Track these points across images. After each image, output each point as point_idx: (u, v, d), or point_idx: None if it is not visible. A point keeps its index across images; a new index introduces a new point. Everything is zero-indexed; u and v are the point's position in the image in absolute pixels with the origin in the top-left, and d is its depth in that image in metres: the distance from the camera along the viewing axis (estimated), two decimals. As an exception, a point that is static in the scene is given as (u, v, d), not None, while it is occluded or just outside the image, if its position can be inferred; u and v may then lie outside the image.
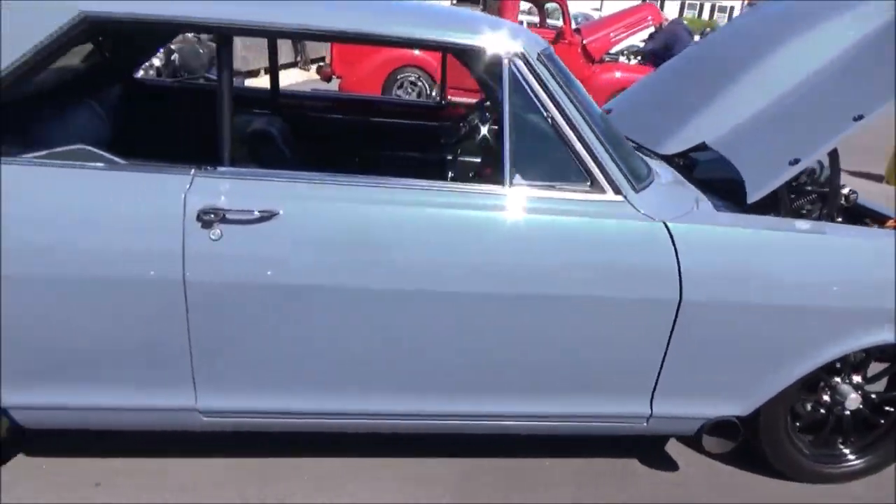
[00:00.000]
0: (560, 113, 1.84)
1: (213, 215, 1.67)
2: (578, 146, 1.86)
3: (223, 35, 1.77)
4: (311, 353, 1.81)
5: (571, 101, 1.86)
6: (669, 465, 2.35)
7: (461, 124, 3.03)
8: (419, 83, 8.27)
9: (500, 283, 1.81)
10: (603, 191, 1.88)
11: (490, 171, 2.68)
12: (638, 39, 10.92)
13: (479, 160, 3.07)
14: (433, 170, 3.12)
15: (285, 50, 12.55)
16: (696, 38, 10.55)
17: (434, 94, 8.27)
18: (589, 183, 1.88)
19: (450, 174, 2.79)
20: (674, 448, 2.43)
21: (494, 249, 1.81)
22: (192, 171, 1.72)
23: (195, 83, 3.25)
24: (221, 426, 1.91)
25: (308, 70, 12.82)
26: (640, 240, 1.86)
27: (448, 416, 1.97)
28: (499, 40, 1.82)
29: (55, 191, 1.66)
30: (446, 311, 1.80)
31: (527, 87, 1.83)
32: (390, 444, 2.26)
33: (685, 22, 9.89)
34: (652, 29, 9.41)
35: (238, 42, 8.62)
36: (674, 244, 1.87)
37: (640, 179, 1.96)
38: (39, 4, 1.65)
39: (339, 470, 2.15)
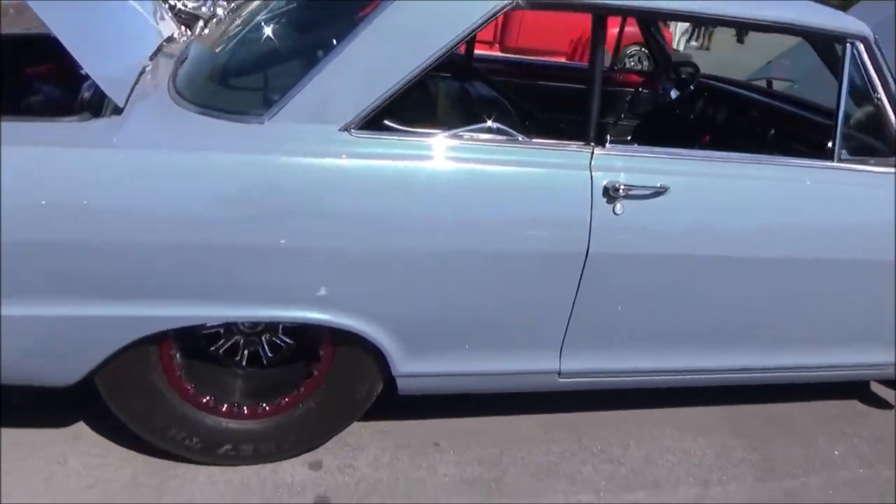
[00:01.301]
0: (887, 94, 2.02)
1: (619, 190, 1.76)
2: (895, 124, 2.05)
3: (601, 16, 1.85)
4: (677, 317, 1.96)
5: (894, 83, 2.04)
6: (882, 404, 2.65)
7: (646, 91, 3.16)
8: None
9: (827, 249, 2.00)
10: (909, 165, 2.09)
11: (708, 140, 2.84)
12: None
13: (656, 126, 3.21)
14: (618, 134, 3.23)
15: None
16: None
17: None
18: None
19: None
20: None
21: (827, 219, 1.99)
22: (591, 147, 1.80)
23: None
24: (572, 386, 2.03)
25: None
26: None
27: (753, 369, 2.16)
28: (850, 26, 1.97)
29: (468, 167, 1.71)
30: (794, 275, 1.98)
31: (863, 69, 1.99)
32: (662, 395, 2.44)
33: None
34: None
35: None
36: None
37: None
38: None
39: (629, 420, 2.33)
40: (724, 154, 1.92)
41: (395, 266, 1.69)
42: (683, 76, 3.02)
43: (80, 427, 1.98)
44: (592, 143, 1.80)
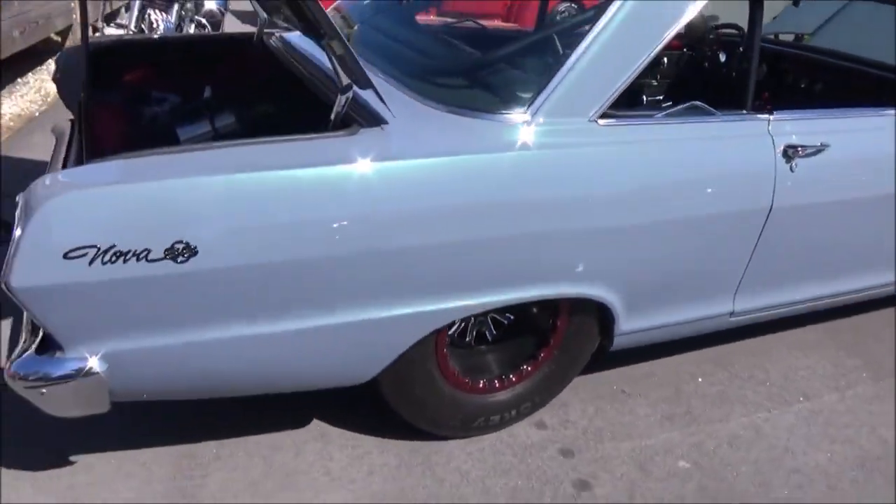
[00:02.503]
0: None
1: (797, 150, 2.04)
2: None
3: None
4: (833, 250, 2.30)
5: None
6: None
7: (691, 53, 3.44)
8: None
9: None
10: None
11: (766, 97, 3.17)
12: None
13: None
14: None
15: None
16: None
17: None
18: None
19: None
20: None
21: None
22: (766, 116, 2.06)
23: None
24: (738, 323, 2.34)
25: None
26: None
27: (869, 288, 2.55)
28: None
29: (686, 144, 1.93)
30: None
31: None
32: (766, 323, 2.79)
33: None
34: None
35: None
36: None
37: None
38: None
39: (754, 348, 2.67)
40: (861, 110, 2.24)
41: (632, 237, 1.89)
42: (727, 37, 3.32)
43: (319, 424, 2.08)
44: (766, 111, 2.07)
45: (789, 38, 3.88)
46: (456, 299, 1.73)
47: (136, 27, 4.96)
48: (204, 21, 5.37)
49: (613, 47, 1.78)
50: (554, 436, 2.14)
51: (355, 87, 1.67)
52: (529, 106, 1.74)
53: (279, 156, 1.54)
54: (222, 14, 5.92)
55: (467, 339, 2.05)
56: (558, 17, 9.20)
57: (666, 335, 2.25)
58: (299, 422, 2.08)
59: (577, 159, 1.77)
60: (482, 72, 1.96)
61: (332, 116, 1.72)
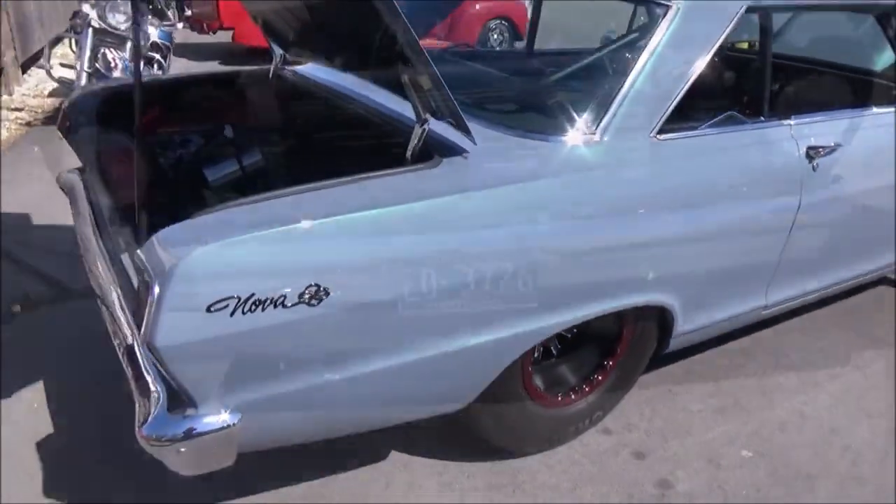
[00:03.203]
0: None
1: (819, 151, 2.21)
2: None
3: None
4: (850, 236, 2.47)
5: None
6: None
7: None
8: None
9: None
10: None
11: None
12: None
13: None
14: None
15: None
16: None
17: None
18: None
19: None
20: None
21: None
22: (788, 121, 2.21)
23: None
24: (768, 315, 2.48)
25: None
26: None
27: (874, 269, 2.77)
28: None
29: (734, 152, 2.05)
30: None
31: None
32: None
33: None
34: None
35: None
36: None
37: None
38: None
39: (770, 337, 2.83)
40: (864, 110, 2.44)
41: (692, 241, 1.99)
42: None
43: (398, 455, 2.08)
44: (791, 118, 2.22)
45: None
46: (553, 316, 1.78)
47: (89, 67, 4.79)
48: (157, 57, 5.23)
49: (667, 62, 1.88)
50: (622, 440, 2.21)
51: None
52: (598, 125, 1.82)
53: (383, 192, 1.55)
54: (168, 48, 5.77)
55: (535, 354, 2.10)
56: (489, 34, 9.36)
57: (711, 333, 2.36)
58: (378, 455, 2.07)
59: (645, 174, 1.86)
60: (542, 96, 2.03)
61: (410, 149, 1.74)
